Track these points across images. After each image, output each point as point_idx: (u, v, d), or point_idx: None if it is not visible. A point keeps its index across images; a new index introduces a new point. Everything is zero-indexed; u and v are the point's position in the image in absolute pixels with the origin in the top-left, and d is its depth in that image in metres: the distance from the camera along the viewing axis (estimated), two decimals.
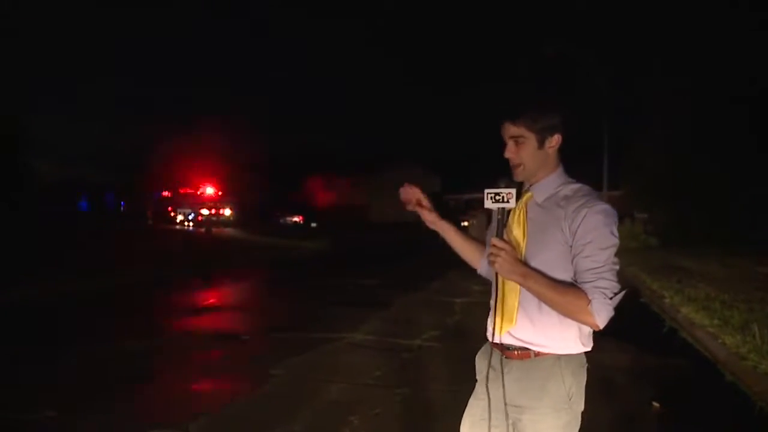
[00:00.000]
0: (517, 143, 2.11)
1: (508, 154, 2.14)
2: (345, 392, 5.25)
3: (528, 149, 2.10)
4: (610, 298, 1.93)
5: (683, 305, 8.58)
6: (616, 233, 2.00)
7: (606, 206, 2.01)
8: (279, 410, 4.82)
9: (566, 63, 22.37)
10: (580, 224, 1.99)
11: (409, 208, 2.40)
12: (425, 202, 2.37)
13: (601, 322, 1.95)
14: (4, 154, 33.40)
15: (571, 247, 2.01)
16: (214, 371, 6.09)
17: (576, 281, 2.00)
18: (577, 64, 22.75)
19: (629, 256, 16.61)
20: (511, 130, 2.11)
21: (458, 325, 8.18)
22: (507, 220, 2.11)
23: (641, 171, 22.92)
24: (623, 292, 1.98)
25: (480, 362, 2.33)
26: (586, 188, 2.10)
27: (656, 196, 22.37)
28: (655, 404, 4.94)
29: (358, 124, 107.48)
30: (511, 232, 2.14)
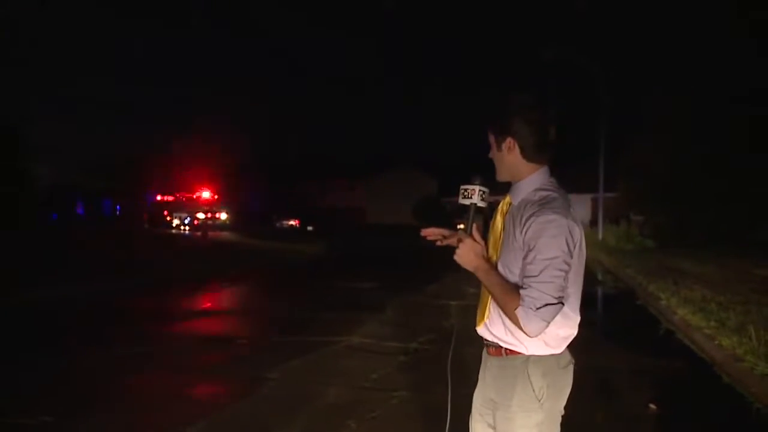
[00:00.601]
0: (490, 146, 2.26)
1: (490, 155, 2.28)
2: (342, 395, 5.24)
3: (493, 152, 2.24)
4: (536, 309, 1.95)
5: (680, 307, 8.59)
6: (563, 245, 1.99)
7: (554, 216, 2.01)
8: (276, 414, 4.81)
9: (568, 68, 22.46)
10: (526, 232, 2.03)
11: (439, 243, 2.40)
12: (447, 232, 2.36)
13: (528, 330, 1.98)
14: (3, 161, 33.41)
15: (523, 252, 2.06)
16: (211, 375, 6.07)
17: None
18: (571, 67, 22.83)
19: (625, 257, 16.64)
20: (489, 134, 2.26)
21: (455, 328, 8.17)
22: (473, 215, 2.19)
23: (637, 172, 22.97)
24: (556, 307, 1.98)
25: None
26: (553, 197, 2.10)
27: (652, 198, 22.42)
28: (652, 406, 4.94)
29: (355, 127, 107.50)
30: (493, 231, 2.25)
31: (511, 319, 2.04)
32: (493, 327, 2.21)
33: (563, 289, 2.00)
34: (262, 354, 6.83)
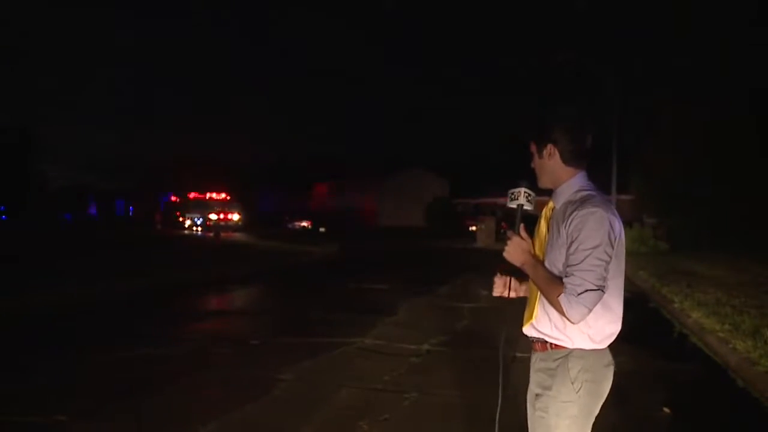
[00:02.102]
0: (533, 156, 2.41)
1: (532, 165, 2.44)
2: (353, 397, 5.25)
3: (536, 161, 2.40)
4: (578, 295, 2.06)
5: (693, 310, 8.54)
6: (604, 236, 2.12)
7: (596, 209, 2.15)
8: (288, 415, 4.83)
9: (570, 73, 22.37)
10: (570, 225, 2.17)
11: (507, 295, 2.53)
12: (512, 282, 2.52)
13: (571, 316, 2.09)
14: (15, 163, 33.69)
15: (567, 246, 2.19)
16: (224, 375, 6.09)
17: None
18: (584, 71, 22.75)
19: (639, 260, 16.55)
20: (530, 146, 2.41)
21: (467, 330, 8.17)
22: (521, 216, 2.35)
23: (651, 175, 22.87)
24: (597, 293, 2.08)
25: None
26: (592, 194, 2.25)
27: (666, 201, 22.31)
28: (666, 410, 4.92)
29: (367, 129, 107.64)
30: (539, 234, 2.38)
31: (555, 307, 2.15)
32: (539, 325, 2.30)
33: (604, 278, 2.11)
34: (274, 355, 6.85)
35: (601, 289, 2.10)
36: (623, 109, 22.56)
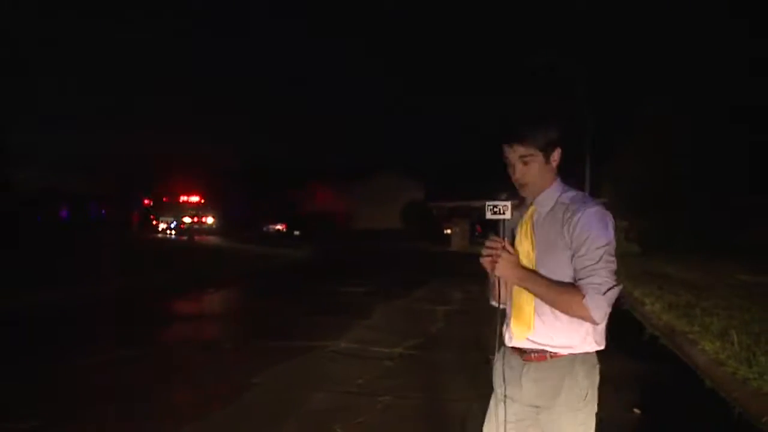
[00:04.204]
0: (524, 163, 2.18)
1: (518, 175, 2.20)
2: (328, 401, 5.23)
3: (535, 167, 2.18)
4: (604, 293, 2.04)
5: (664, 312, 8.65)
6: (611, 232, 2.12)
7: (599, 207, 2.13)
8: (261, 419, 4.80)
9: (558, 75, 22.53)
10: (576, 226, 2.10)
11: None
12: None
13: (597, 317, 2.06)
14: None
15: (571, 249, 2.12)
16: (196, 380, 6.04)
17: (574, 280, 2.10)
18: (562, 73, 22.92)
19: None
20: (519, 150, 2.17)
21: (441, 333, 8.18)
22: (505, 230, 2.16)
23: (623, 179, 23.14)
24: (618, 288, 2.08)
25: (498, 366, 2.36)
26: (581, 194, 2.22)
27: (638, 203, 22.57)
28: (636, 411, 4.98)
29: (343, 132, 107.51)
30: (521, 243, 2.23)
31: (573, 312, 2.07)
32: (537, 336, 2.20)
33: (615, 272, 2.11)
34: (247, 359, 6.81)
35: (618, 284, 2.09)
36: (599, 111, 22.83)
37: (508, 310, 2.29)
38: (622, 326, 8.65)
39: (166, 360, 6.81)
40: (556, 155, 2.19)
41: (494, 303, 2.31)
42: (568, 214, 2.13)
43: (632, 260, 17.74)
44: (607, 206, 2.20)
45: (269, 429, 4.57)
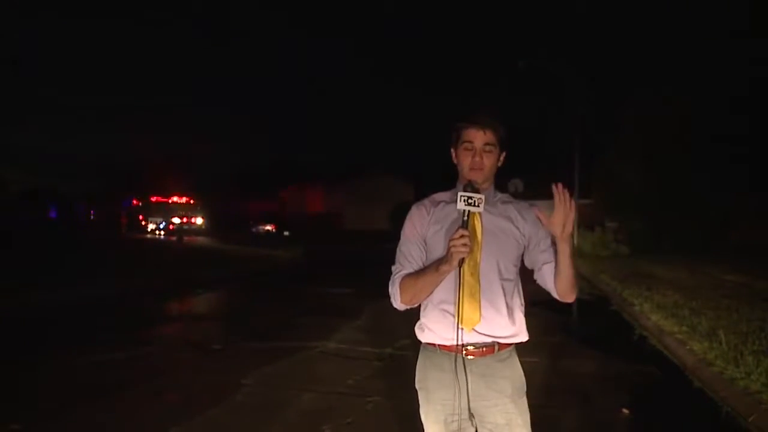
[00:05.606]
0: (486, 151, 2.24)
1: (476, 158, 2.24)
2: (317, 401, 5.22)
3: (492, 160, 2.28)
4: None
5: (653, 312, 8.69)
6: None
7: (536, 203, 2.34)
8: (250, 420, 4.78)
9: (549, 75, 22.58)
10: (527, 217, 2.30)
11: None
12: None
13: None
14: None
15: (524, 240, 2.29)
16: (186, 381, 6.00)
17: (544, 263, 2.26)
18: (550, 75, 23.01)
19: (600, 264, 16.80)
20: (487, 136, 2.23)
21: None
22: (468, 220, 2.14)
23: (612, 180, 23.22)
24: None
25: (432, 370, 2.45)
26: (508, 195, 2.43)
27: (627, 205, 22.68)
28: (625, 410, 4.99)
29: (330, 134, 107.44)
30: (479, 231, 2.25)
31: (573, 287, 2.22)
32: (488, 327, 2.21)
33: None
34: (236, 359, 6.78)
35: None
36: (587, 112, 22.91)
37: (450, 308, 2.28)
38: (611, 327, 8.74)
39: (155, 361, 6.77)
40: (502, 157, 2.32)
41: (408, 305, 2.59)
42: (517, 208, 2.32)
43: (621, 261, 17.83)
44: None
45: (258, 429, 4.55)
